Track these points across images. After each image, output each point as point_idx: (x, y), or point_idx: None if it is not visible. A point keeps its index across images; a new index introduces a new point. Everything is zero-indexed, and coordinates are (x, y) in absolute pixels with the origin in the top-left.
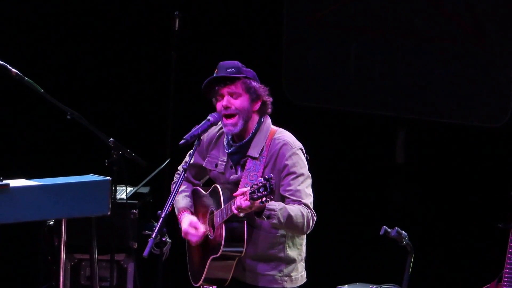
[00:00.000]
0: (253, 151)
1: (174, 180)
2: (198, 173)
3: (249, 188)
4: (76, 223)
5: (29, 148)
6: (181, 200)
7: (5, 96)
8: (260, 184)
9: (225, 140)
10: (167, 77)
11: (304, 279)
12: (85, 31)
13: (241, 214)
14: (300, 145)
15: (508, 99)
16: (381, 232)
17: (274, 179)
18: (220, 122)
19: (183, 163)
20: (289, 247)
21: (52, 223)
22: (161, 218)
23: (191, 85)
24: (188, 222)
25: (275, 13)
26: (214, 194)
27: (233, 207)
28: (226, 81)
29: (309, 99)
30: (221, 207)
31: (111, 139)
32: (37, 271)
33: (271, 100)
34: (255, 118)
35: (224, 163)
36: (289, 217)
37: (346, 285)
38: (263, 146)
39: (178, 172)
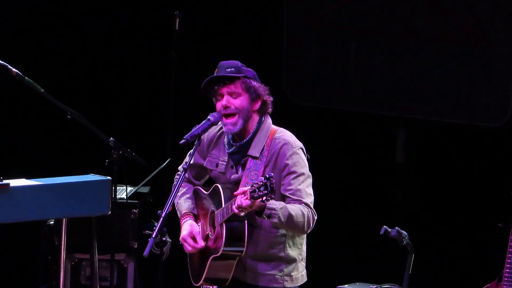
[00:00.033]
0: (254, 151)
1: (175, 182)
2: (198, 173)
3: (249, 187)
4: (77, 223)
5: (29, 148)
6: (183, 203)
7: (5, 96)
8: (261, 183)
9: (225, 140)
10: (167, 77)
11: (305, 279)
12: (85, 31)
13: (242, 214)
14: (300, 144)
15: (508, 99)
16: (381, 232)
17: (275, 179)
18: (220, 122)
19: (183, 163)
20: (290, 246)
21: (52, 222)
22: (161, 218)
23: (191, 85)
24: (189, 231)
25: (275, 13)
26: (215, 193)
27: (233, 206)
28: (226, 80)
29: (309, 99)
30: (221, 206)
31: (111, 138)
32: (37, 271)
33: (272, 99)
34: (255, 117)
35: (225, 163)
36: (290, 216)
37: (346, 285)
38: (264, 146)
39: (179, 172)
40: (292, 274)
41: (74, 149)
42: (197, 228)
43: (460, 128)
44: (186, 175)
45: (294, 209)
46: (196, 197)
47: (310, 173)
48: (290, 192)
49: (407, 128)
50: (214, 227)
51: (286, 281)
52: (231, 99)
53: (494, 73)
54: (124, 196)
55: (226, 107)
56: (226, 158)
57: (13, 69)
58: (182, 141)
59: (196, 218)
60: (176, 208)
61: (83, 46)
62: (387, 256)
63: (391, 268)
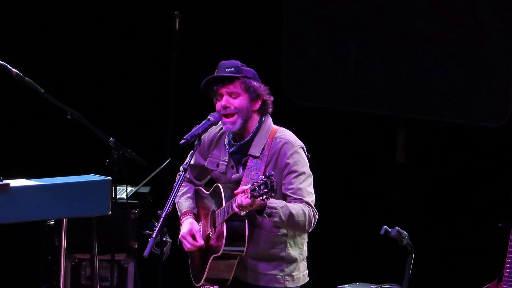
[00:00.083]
0: (254, 150)
1: (176, 182)
2: (200, 173)
3: (249, 185)
4: (77, 223)
5: (29, 148)
6: (184, 202)
7: (5, 96)
8: (261, 181)
9: (226, 139)
10: (167, 77)
11: (306, 279)
12: (85, 31)
13: (242, 213)
14: (301, 143)
15: (508, 99)
16: (382, 232)
17: (276, 178)
18: (220, 122)
19: (184, 163)
20: (291, 246)
21: (52, 223)
22: (162, 218)
23: (191, 85)
24: (189, 228)
25: (275, 13)
26: (216, 193)
27: (234, 205)
28: (225, 81)
29: (309, 99)
30: (222, 206)
31: (111, 138)
32: (37, 271)
33: (272, 99)
34: (256, 117)
35: (226, 163)
36: (291, 215)
37: (347, 285)
38: (264, 145)
39: (180, 173)
40: (293, 274)
41: (74, 149)
42: (197, 226)
43: (460, 128)
44: (187, 175)
45: (295, 208)
46: (197, 197)
47: (311, 172)
48: (291, 191)
49: (407, 128)
50: (215, 227)
51: (287, 281)
52: (231, 99)
53: (494, 73)
54: (124, 196)
55: (225, 107)
56: (227, 158)
57: (13, 69)
58: (182, 141)
59: (196, 218)
60: (177, 207)
61: (83, 46)
62: (387, 256)
63: (391, 268)
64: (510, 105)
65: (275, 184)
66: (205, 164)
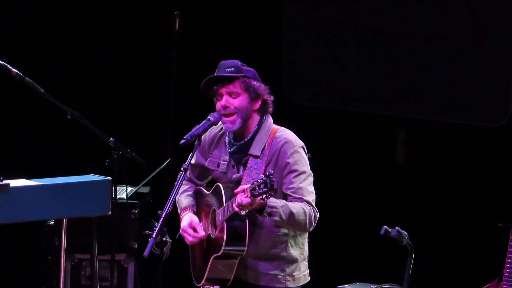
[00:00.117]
0: (255, 150)
1: (177, 182)
2: (201, 173)
3: (249, 185)
4: (77, 223)
5: (29, 148)
6: (184, 199)
7: (5, 96)
8: (261, 180)
9: (226, 139)
10: (167, 77)
11: (308, 279)
12: (85, 31)
13: (242, 212)
14: (301, 143)
15: (508, 99)
16: (382, 232)
17: (276, 178)
18: (221, 122)
19: (185, 163)
20: (292, 246)
21: (52, 223)
22: (162, 218)
23: (191, 85)
24: (189, 221)
25: (275, 13)
26: (216, 193)
27: (234, 205)
28: (224, 80)
29: (309, 99)
30: (223, 205)
31: (111, 139)
32: (37, 271)
33: (272, 98)
34: (256, 117)
35: (226, 163)
36: (291, 214)
37: (347, 285)
38: (265, 145)
39: (181, 173)
40: (294, 274)
41: (74, 149)
42: (196, 219)
43: (460, 128)
44: (188, 175)
45: (296, 207)
46: (198, 196)
47: (311, 172)
48: (291, 190)
49: (407, 128)
50: (215, 227)
51: (288, 281)
52: (230, 99)
53: (494, 73)
54: (124, 196)
55: (225, 107)
56: (228, 157)
57: (13, 70)
58: (182, 141)
59: (197, 216)
60: (177, 205)
61: (83, 46)
62: (387, 256)
63: (391, 268)
64: (510, 105)
65: (274, 183)
66: (206, 164)
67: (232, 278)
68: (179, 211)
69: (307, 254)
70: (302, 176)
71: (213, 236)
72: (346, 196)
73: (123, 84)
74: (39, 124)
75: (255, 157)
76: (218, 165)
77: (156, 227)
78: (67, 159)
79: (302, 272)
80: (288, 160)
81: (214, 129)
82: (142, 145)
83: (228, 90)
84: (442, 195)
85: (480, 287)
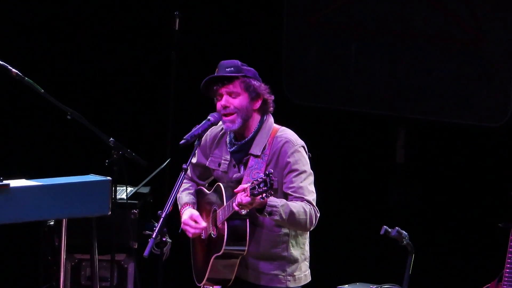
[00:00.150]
0: (255, 149)
1: (177, 182)
2: (202, 173)
3: (249, 184)
4: (77, 223)
5: (29, 148)
6: (185, 196)
7: (5, 96)
8: (261, 179)
9: (227, 139)
10: (167, 77)
11: (309, 279)
12: (85, 31)
13: (243, 211)
14: (302, 142)
15: (508, 99)
16: (382, 232)
17: (277, 177)
18: (221, 122)
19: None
20: (293, 246)
21: (52, 223)
22: (162, 218)
23: (191, 85)
24: (189, 215)
25: (275, 13)
26: (217, 192)
27: (234, 204)
28: (224, 80)
29: (309, 99)
30: (223, 205)
31: (111, 139)
32: (37, 271)
33: (273, 98)
34: (256, 116)
35: (227, 162)
36: (291, 213)
37: (347, 285)
38: (265, 144)
39: (182, 173)
40: (295, 274)
41: (74, 149)
42: (196, 212)
43: (460, 128)
44: (189, 174)
45: (296, 206)
46: (199, 196)
47: (312, 171)
48: (292, 189)
49: (407, 128)
50: (216, 226)
51: (289, 281)
52: (230, 99)
53: (494, 73)
54: (124, 196)
55: (225, 107)
56: (229, 157)
57: (13, 70)
58: (182, 141)
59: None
60: (178, 202)
61: (83, 46)
62: (387, 256)
63: (391, 268)
64: (510, 105)
65: (274, 182)
66: (207, 163)
67: (233, 278)
68: (179, 208)
69: (308, 254)
70: (303, 176)
71: (214, 236)
72: (346, 196)
73: (123, 84)
74: (39, 124)
75: (256, 156)
76: (219, 164)
77: (156, 227)
78: (67, 159)
79: (303, 272)
80: (288, 160)
81: (215, 129)
82: (142, 145)
83: (228, 90)
84: (442, 195)
85: (480, 287)
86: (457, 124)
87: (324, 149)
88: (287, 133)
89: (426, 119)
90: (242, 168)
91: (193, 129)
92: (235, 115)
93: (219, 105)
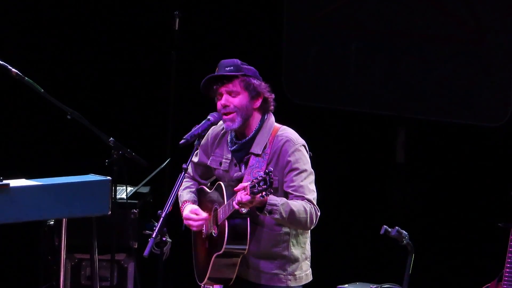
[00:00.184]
0: (256, 148)
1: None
2: (204, 172)
3: (249, 182)
4: (77, 223)
5: (29, 148)
6: (185, 194)
7: (5, 96)
8: (260, 178)
9: (228, 138)
10: (167, 77)
11: (310, 278)
12: (85, 31)
13: (243, 210)
14: (303, 141)
15: (508, 99)
16: (382, 232)
17: (278, 176)
18: (221, 121)
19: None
20: (293, 245)
21: (52, 223)
22: (162, 218)
23: (191, 85)
24: (189, 209)
25: (275, 13)
26: (218, 191)
27: (234, 203)
28: (224, 79)
29: (309, 99)
30: (224, 203)
31: (111, 138)
32: (37, 271)
33: (273, 96)
34: (257, 115)
35: (228, 161)
36: (292, 212)
37: (347, 285)
38: (266, 143)
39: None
40: (295, 273)
41: (74, 149)
42: (196, 206)
43: (460, 128)
44: (191, 174)
45: (296, 205)
46: (201, 195)
47: (312, 170)
48: (292, 188)
49: (407, 128)
50: (217, 225)
51: (290, 280)
52: (230, 98)
53: (494, 73)
54: (124, 196)
55: (225, 106)
56: (230, 156)
57: (13, 70)
58: (182, 141)
59: None
60: (178, 200)
61: (83, 46)
62: (387, 256)
63: (391, 268)
64: (510, 105)
65: (274, 181)
66: (208, 162)
67: (234, 277)
68: (180, 205)
69: (309, 254)
70: (303, 174)
71: (215, 235)
72: (346, 196)
73: (123, 84)
74: (39, 124)
75: (257, 155)
76: (220, 163)
77: (156, 227)
78: (67, 159)
79: (304, 272)
80: (289, 159)
81: (217, 128)
82: (142, 145)
83: (227, 89)
84: (442, 195)
85: (480, 287)
86: (457, 124)
87: (324, 149)
88: (288, 132)
89: (426, 119)
90: (243, 167)
91: (193, 129)
92: (234, 114)
93: (219, 104)
